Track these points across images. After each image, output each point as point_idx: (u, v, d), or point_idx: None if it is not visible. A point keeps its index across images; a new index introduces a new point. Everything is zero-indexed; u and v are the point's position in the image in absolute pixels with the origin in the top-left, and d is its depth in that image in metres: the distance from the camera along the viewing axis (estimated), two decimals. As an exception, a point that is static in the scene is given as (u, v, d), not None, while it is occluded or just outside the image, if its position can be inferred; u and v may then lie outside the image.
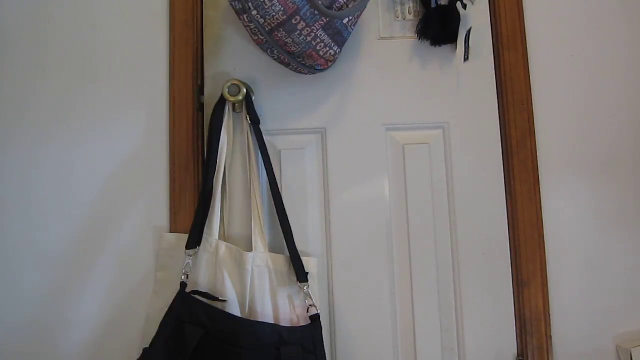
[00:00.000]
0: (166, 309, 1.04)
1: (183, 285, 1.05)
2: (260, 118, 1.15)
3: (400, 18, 1.23)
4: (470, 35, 1.19)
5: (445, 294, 1.17)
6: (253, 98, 1.16)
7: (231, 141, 1.14)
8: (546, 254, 1.19)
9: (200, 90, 1.19)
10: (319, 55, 1.06)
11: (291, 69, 1.12)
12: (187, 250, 1.07)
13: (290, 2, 0.98)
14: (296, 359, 1.00)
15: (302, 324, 1.06)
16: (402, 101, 1.21)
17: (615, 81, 1.26)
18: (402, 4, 1.23)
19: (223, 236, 1.12)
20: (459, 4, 1.17)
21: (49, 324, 1.12)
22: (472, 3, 1.23)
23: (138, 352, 1.04)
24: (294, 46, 1.03)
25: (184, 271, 1.06)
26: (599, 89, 1.25)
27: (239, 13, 1.03)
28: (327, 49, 1.05)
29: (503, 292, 1.18)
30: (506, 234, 1.19)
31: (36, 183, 1.15)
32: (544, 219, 1.20)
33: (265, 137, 1.13)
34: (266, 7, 0.99)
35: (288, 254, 1.09)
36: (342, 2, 1.02)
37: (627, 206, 1.23)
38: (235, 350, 0.98)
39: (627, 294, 1.21)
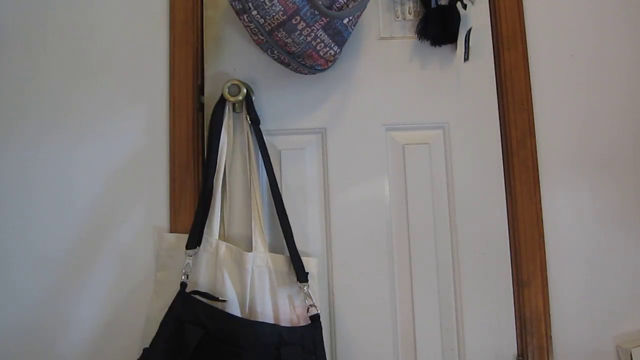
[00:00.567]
0: (166, 309, 1.04)
1: (183, 285, 1.05)
2: (260, 118, 1.15)
3: (400, 18, 1.23)
4: (470, 35, 1.19)
5: (445, 294, 1.17)
6: (253, 98, 1.16)
7: (231, 141, 1.14)
8: (546, 254, 1.19)
9: (200, 90, 1.19)
10: (319, 55, 1.06)
11: (291, 69, 1.12)
12: (187, 250, 1.07)
13: (290, 2, 0.98)
14: (296, 359, 1.00)
15: (302, 324, 1.06)
16: (402, 101, 1.21)
17: (615, 81, 1.26)
18: (402, 4, 1.23)
19: (223, 236, 1.12)
20: (459, 4, 1.17)
21: (48, 325, 1.12)
22: (472, 3, 1.23)
23: (138, 352, 1.04)
24: (294, 46, 1.03)
25: (184, 271, 1.06)
26: (599, 88, 1.26)
27: (239, 13, 1.03)
28: (327, 49, 1.05)
29: (503, 292, 1.18)
30: (506, 234, 1.19)
31: (35, 183, 1.15)
32: (544, 219, 1.20)
33: (265, 137, 1.13)
34: (266, 7, 0.99)
35: (288, 254, 1.09)
36: (342, 2, 1.02)
37: (627, 206, 1.23)
38: (235, 350, 0.98)
39: (627, 294, 1.21)
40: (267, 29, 1.02)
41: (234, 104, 1.14)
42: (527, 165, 1.21)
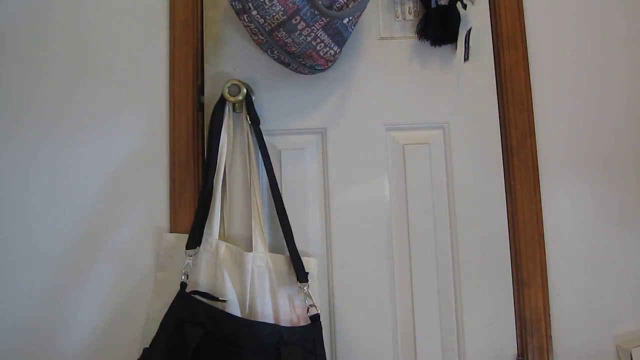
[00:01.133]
0: (166, 309, 1.04)
1: (183, 285, 1.05)
2: (260, 118, 1.15)
3: (400, 18, 1.23)
4: (470, 35, 1.19)
5: (445, 294, 1.17)
6: (253, 98, 1.16)
7: (231, 141, 1.14)
8: (546, 254, 1.19)
9: (200, 90, 1.19)
10: (319, 55, 1.06)
11: (291, 69, 1.12)
12: (187, 250, 1.07)
13: (290, 2, 0.98)
14: (296, 359, 1.00)
15: (302, 324, 1.06)
16: (402, 101, 1.21)
17: (615, 81, 1.26)
18: (402, 4, 1.23)
19: (223, 236, 1.12)
20: (459, 4, 1.17)
21: (48, 324, 1.12)
22: (472, 3, 1.23)
23: (138, 352, 1.04)
24: (294, 46, 1.03)
25: (184, 271, 1.06)
26: (599, 88, 1.26)
27: (239, 13, 1.03)
28: (327, 49, 1.05)
29: (503, 292, 1.18)
30: (506, 234, 1.19)
31: (35, 183, 1.15)
32: (544, 219, 1.20)
33: (265, 137, 1.13)
34: (266, 7, 0.99)
35: (288, 254, 1.09)
36: (342, 2, 1.02)
37: (627, 206, 1.23)
38: (235, 350, 0.98)
39: (627, 294, 1.21)
40: (267, 29, 1.02)
41: (234, 104, 1.14)
42: (527, 165, 1.21)
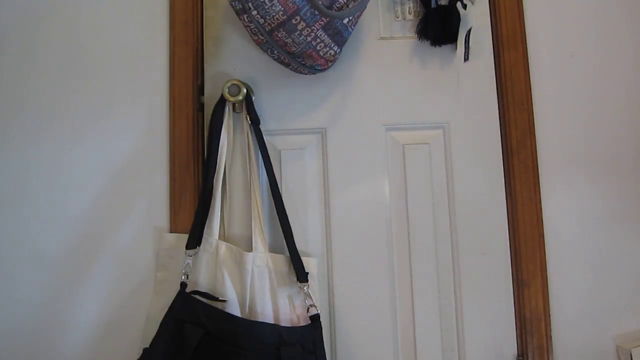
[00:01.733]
0: (166, 309, 1.04)
1: (183, 285, 1.05)
2: (260, 118, 1.15)
3: (400, 18, 1.23)
4: (470, 35, 1.19)
5: (445, 294, 1.17)
6: (253, 98, 1.16)
7: (231, 141, 1.14)
8: (546, 254, 1.19)
9: (200, 90, 1.19)
10: (319, 55, 1.06)
11: (291, 69, 1.12)
12: (187, 250, 1.07)
13: (290, 2, 0.98)
14: (296, 359, 1.00)
15: (302, 324, 1.06)
16: (402, 101, 1.21)
17: (615, 81, 1.26)
18: (402, 4, 1.23)
19: (223, 236, 1.12)
20: (459, 4, 1.17)
21: (48, 325, 1.12)
22: (472, 3, 1.23)
23: (138, 352, 1.04)
24: (294, 46, 1.03)
25: (184, 271, 1.06)
26: (599, 88, 1.26)
27: (239, 13, 1.03)
28: (327, 49, 1.05)
29: (503, 292, 1.18)
30: (506, 234, 1.19)
31: (34, 183, 1.15)
32: (544, 219, 1.20)
33: (265, 137, 1.13)
34: (266, 7, 0.99)
35: (288, 254, 1.09)
36: (342, 2, 1.02)
37: (628, 206, 1.23)
38: (235, 350, 0.98)
39: (627, 294, 1.21)
40: (267, 29, 1.02)
41: (234, 104, 1.14)
42: (527, 165, 1.21)
